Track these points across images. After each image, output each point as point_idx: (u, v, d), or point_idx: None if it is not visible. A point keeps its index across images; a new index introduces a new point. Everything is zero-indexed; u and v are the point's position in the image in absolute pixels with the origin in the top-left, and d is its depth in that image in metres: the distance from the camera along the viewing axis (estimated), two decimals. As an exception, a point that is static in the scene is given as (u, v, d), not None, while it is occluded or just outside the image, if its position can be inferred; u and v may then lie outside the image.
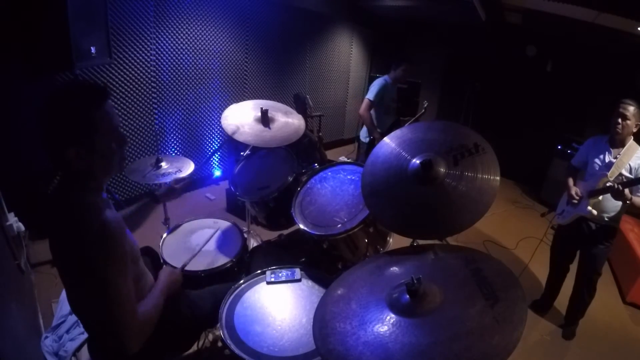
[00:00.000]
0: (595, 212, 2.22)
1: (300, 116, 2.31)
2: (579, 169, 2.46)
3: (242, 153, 2.43)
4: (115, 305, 0.99)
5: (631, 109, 2.12)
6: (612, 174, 2.16)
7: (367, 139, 3.69)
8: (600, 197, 2.20)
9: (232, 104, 2.26)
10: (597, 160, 2.29)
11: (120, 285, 1.00)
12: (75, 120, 0.98)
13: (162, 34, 3.51)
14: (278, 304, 1.43)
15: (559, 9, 3.62)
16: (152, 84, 3.57)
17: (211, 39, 3.97)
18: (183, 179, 1.74)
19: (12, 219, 2.17)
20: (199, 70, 3.96)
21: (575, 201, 2.31)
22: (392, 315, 0.96)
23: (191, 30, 3.75)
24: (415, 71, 4.00)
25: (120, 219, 1.06)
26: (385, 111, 3.68)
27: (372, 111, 3.58)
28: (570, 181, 2.42)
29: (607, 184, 2.14)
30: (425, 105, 3.00)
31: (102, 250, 0.97)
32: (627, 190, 1.99)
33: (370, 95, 3.54)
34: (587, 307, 2.49)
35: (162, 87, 3.68)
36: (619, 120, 2.14)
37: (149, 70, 3.51)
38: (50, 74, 2.64)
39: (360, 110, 3.60)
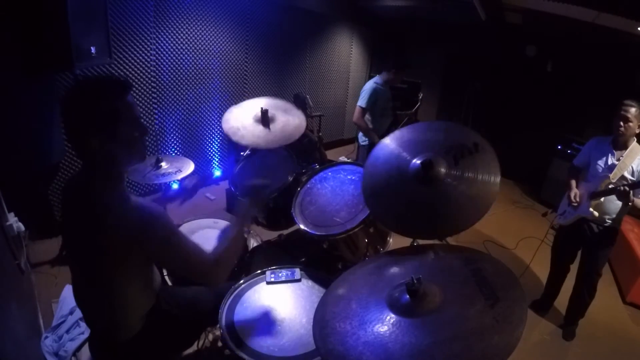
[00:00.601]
0: (596, 213, 2.22)
1: (300, 112, 2.30)
2: (581, 169, 2.45)
3: (242, 153, 2.43)
4: (187, 258, 1.14)
5: (633, 110, 2.10)
6: (614, 176, 2.16)
7: (365, 142, 3.66)
8: (602, 199, 2.20)
9: (232, 104, 2.25)
10: (599, 162, 2.27)
11: (181, 241, 1.12)
12: (99, 110, 1.02)
13: (162, 34, 3.51)
14: (278, 304, 1.43)
15: (559, 9, 3.61)
16: (152, 84, 3.57)
17: (211, 39, 3.97)
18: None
19: (12, 219, 2.16)
20: (199, 70, 3.96)
21: (575, 204, 2.31)
22: (392, 315, 0.96)
23: (191, 30, 3.75)
24: (407, 75, 3.97)
25: None
26: (381, 113, 3.61)
27: (367, 116, 3.52)
28: (573, 183, 2.40)
29: (610, 186, 2.14)
30: (420, 97, 2.97)
31: (146, 220, 1.04)
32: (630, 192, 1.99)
33: (362, 102, 3.46)
34: (587, 307, 2.48)
35: (162, 87, 3.67)
36: (621, 122, 2.13)
37: (149, 70, 3.51)
38: (51, 74, 2.63)
39: (353, 118, 3.53)
